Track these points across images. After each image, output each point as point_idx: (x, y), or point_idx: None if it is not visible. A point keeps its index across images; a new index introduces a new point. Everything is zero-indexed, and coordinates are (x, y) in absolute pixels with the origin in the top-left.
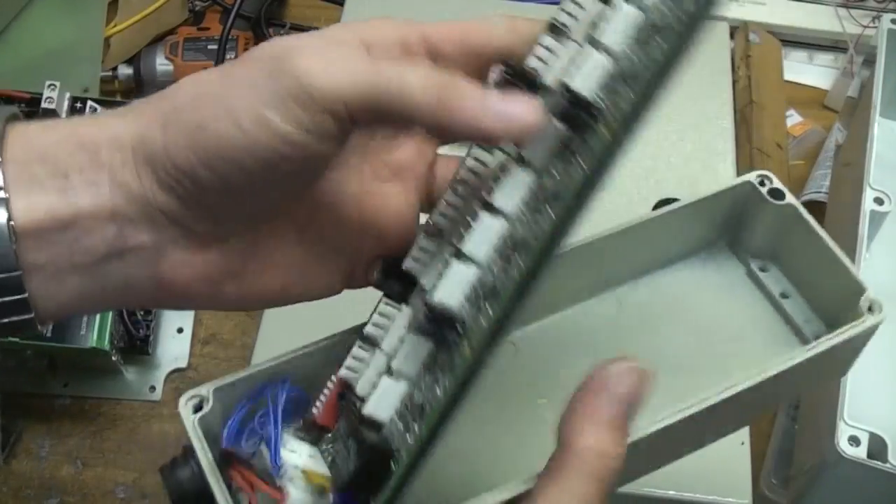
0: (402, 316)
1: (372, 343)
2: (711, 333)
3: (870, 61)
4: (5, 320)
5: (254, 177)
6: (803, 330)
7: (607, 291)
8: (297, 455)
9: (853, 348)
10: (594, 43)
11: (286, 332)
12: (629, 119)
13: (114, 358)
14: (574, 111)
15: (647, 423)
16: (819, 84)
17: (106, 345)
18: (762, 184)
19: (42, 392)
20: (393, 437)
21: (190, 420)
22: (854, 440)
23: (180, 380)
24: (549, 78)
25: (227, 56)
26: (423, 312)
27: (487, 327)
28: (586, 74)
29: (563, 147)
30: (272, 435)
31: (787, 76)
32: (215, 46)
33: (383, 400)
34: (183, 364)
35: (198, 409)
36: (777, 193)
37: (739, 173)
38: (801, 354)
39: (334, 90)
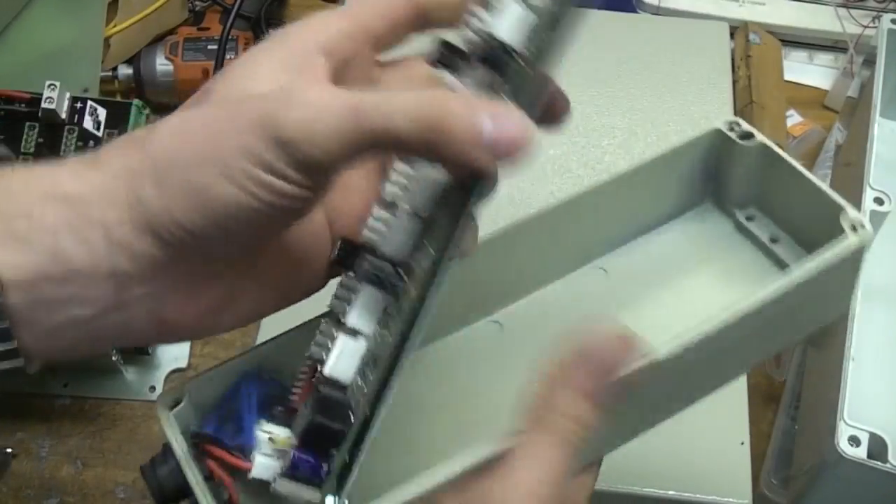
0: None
1: (336, 317)
2: (706, 291)
3: (870, 61)
4: None
5: (262, 226)
6: None
7: (592, 262)
8: (271, 434)
9: (843, 276)
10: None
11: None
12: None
13: (114, 358)
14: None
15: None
16: (819, 84)
17: None
18: (731, 129)
19: (42, 392)
20: (352, 391)
21: (165, 415)
22: (854, 440)
23: (180, 380)
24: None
25: (227, 56)
26: (368, 261)
27: (429, 265)
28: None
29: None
30: (246, 420)
31: (787, 76)
32: (215, 46)
33: (342, 359)
34: (183, 364)
35: (174, 405)
36: (747, 135)
37: None
38: (782, 280)
39: (323, 151)
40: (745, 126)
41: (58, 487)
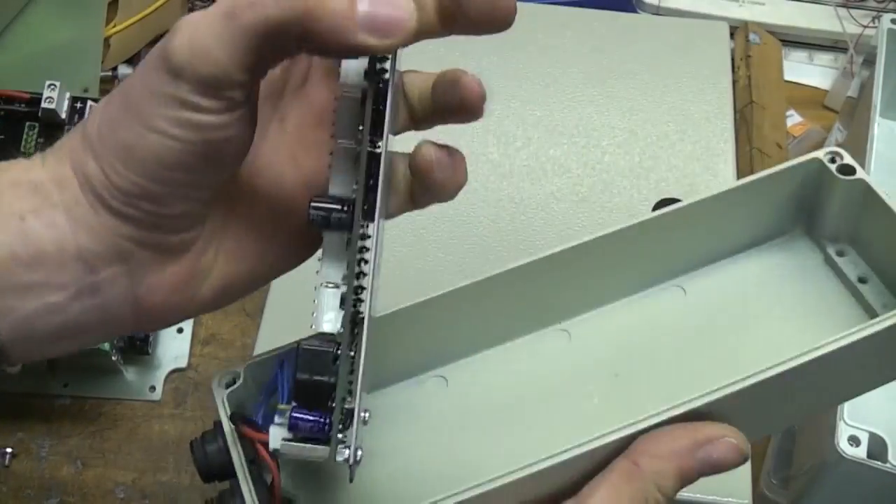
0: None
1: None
2: (785, 323)
3: (870, 61)
4: None
5: (200, 168)
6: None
7: (671, 280)
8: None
9: None
10: None
11: (286, 332)
12: None
13: (114, 358)
14: None
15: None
16: (819, 84)
17: (106, 345)
18: (832, 161)
19: (42, 392)
20: (335, 339)
21: (220, 395)
22: (854, 440)
23: (180, 380)
24: None
25: None
26: (316, 207)
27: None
28: None
29: None
30: (281, 401)
31: (787, 76)
32: None
33: (325, 313)
34: (183, 364)
35: (229, 385)
36: (847, 169)
37: (739, 173)
38: (867, 327)
39: (215, 66)
40: (847, 159)
41: (58, 487)
